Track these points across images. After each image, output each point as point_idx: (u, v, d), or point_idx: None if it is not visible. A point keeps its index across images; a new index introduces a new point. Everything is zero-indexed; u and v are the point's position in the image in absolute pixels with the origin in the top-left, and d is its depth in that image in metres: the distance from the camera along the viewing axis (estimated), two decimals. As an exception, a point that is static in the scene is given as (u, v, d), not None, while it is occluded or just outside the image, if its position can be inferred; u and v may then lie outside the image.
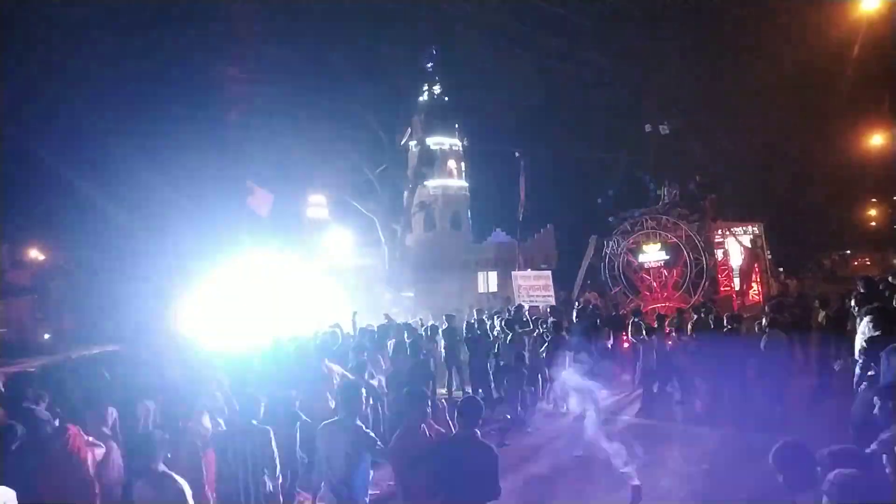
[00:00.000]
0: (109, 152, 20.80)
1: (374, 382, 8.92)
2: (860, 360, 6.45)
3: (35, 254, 28.51)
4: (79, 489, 5.24)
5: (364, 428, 5.16)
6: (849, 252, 33.61)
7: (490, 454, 4.47)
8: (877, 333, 6.56)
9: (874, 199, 32.90)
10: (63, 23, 19.79)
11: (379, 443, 5.12)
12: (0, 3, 18.69)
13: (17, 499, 4.18)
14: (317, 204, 33.10)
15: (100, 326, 18.94)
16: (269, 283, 17.59)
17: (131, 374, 8.64)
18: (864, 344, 6.45)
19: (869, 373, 6.21)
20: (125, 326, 16.99)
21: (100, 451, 5.71)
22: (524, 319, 12.28)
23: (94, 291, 21.65)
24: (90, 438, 5.64)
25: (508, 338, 11.35)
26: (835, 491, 2.75)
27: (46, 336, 19.73)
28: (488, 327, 12.94)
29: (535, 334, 11.59)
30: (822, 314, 10.85)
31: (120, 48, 20.82)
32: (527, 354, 10.72)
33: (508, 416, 10.23)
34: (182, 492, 4.38)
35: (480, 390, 11.32)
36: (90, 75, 20.25)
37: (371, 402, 8.15)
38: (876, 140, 23.52)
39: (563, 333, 11.02)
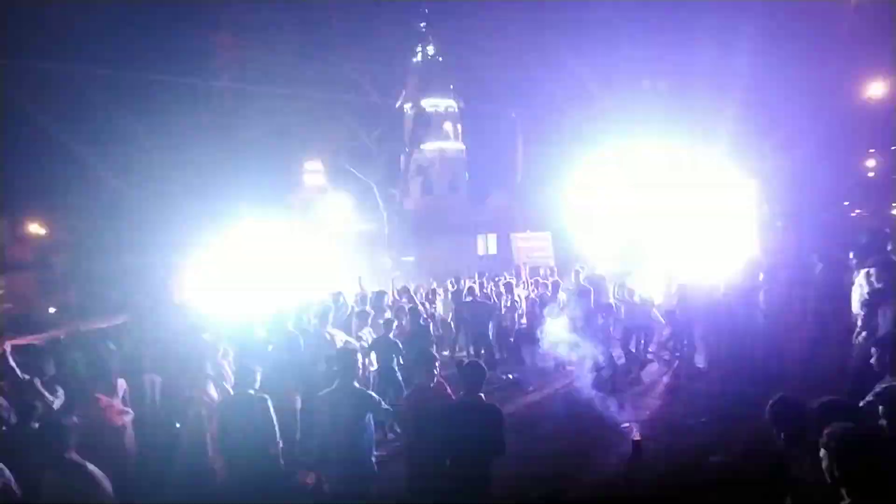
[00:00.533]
0: (107, 123, 20.64)
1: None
2: (862, 312, 6.51)
3: (36, 228, 28.50)
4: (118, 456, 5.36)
5: (366, 390, 5.28)
6: (847, 203, 33.53)
7: (495, 415, 4.60)
8: (879, 286, 6.60)
9: (872, 150, 32.70)
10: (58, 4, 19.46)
11: (384, 403, 5.24)
12: None
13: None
14: (314, 170, 32.97)
15: (105, 299, 19.07)
16: (270, 250, 17.61)
17: (137, 347, 8.76)
18: (867, 296, 6.52)
19: (872, 324, 6.28)
20: (130, 298, 17.09)
21: (128, 418, 5.85)
22: (523, 280, 12.41)
23: (97, 264, 21.73)
24: (118, 406, 5.75)
25: (503, 300, 11.47)
26: (832, 444, 2.82)
27: (52, 310, 19.89)
28: (489, 290, 13.06)
29: (532, 295, 11.70)
30: (819, 267, 10.90)
31: (115, 16, 20.47)
32: (523, 315, 10.84)
33: (510, 376, 10.41)
34: (94, 482, 3.99)
35: (483, 351, 11.50)
36: (87, 46, 20.00)
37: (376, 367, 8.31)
38: (874, 89, 23.25)
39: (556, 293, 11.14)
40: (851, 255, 8.13)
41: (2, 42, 19.11)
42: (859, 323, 6.61)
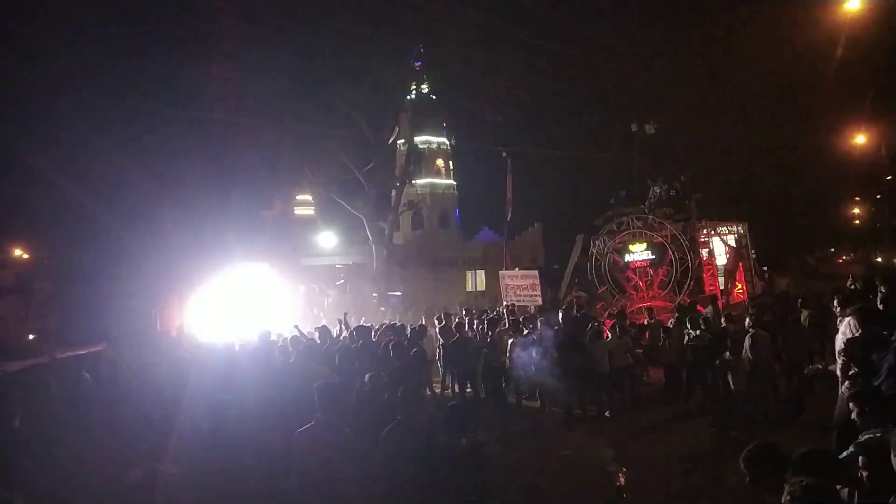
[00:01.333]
0: (94, 151, 20.58)
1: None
2: (839, 361, 6.49)
3: (19, 252, 28.21)
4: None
5: (340, 426, 5.15)
6: (832, 250, 33.98)
7: (479, 463, 4.49)
8: (857, 334, 6.60)
9: (857, 198, 33.30)
10: (46, 23, 19.58)
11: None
12: None
13: None
14: (304, 203, 33.05)
15: (85, 327, 18.76)
16: (256, 283, 17.55)
17: (114, 375, 8.61)
18: (843, 344, 6.51)
19: (850, 373, 6.26)
20: (110, 327, 16.84)
21: None
22: (510, 319, 12.34)
23: (79, 291, 21.45)
24: None
25: (489, 338, 11.40)
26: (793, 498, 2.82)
27: (31, 336, 19.51)
28: (475, 327, 12.98)
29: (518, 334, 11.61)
30: (805, 314, 10.96)
31: (104, 46, 20.62)
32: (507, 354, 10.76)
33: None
34: None
35: (468, 390, 11.37)
36: (75, 73, 20.04)
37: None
38: (858, 139, 23.80)
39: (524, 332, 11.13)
40: (836, 303, 8.14)
41: None
42: (838, 372, 6.58)
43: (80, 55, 20.14)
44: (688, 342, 10.69)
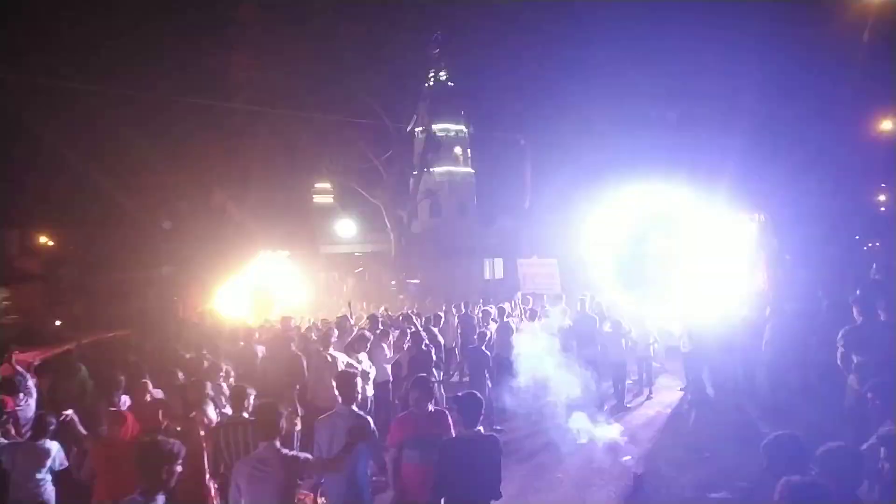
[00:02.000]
0: (118, 140, 20.90)
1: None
2: (840, 350, 6.49)
3: (44, 240, 28.75)
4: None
5: (364, 415, 5.22)
6: (857, 237, 33.40)
7: (494, 452, 4.52)
8: (857, 322, 6.60)
9: (883, 185, 32.69)
10: (75, 14, 19.88)
11: (371, 425, 5.11)
12: None
13: None
14: (323, 191, 33.22)
15: (110, 312, 19.15)
16: (276, 271, 17.74)
17: (139, 361, 8.79)
18: (841, 332, 6.52)
19: (853, 362, 6.24)
20: (135, 312, 17.19)
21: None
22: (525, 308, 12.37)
23: (104, 278, 21.85)
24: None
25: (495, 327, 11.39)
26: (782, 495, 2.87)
27: (57, 323, 19.94)
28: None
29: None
30: (825, 303, 10.83)
31: (128, 34, 20.87)
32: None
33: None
34: None
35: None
36: (101, 64, 20.33)
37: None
38: (885, 125, 23.33)
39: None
40: (857, 293, 8.07)
41: (16, 59, 19.54)
42: (839, 362, 6.56)
43: (103, 45, 20.43)
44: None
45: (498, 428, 9.24)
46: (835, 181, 27.19)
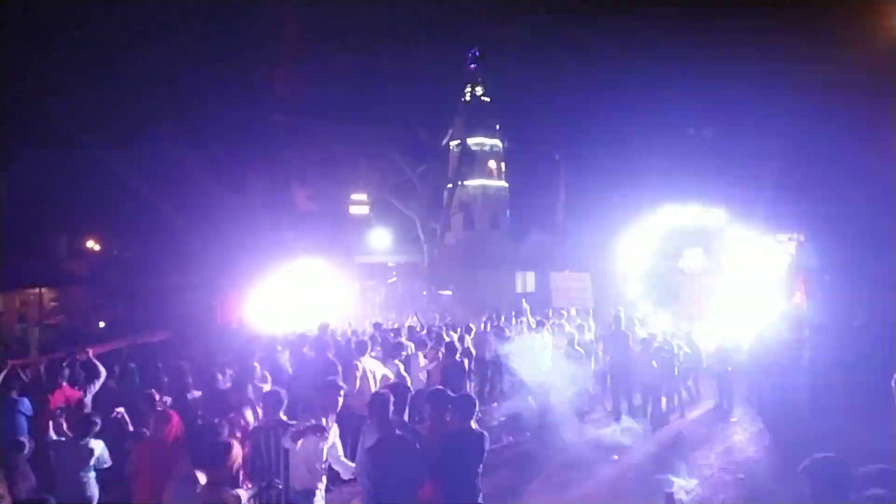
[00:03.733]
0: (163, 150, 21.59)
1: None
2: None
3: (91, 244, 29.76)
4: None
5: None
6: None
7: (480, 443, 4.88)
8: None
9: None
10: (120, 30, 20.64)
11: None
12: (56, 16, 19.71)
13: None
14: (359, 202, 33.68)
15: (151, 315, 19.71)
16: (313, 279, 18.07)
17: (181, 363, 9.09)
18: None
19: None
20: (175, 317, 17.64)
21: None
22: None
23: (146, 282, 22.52)
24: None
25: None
26: None
27: (102, 324, 20.60)
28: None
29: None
30: (864, 322, 10.60)
31: (175, 50, 21.57)
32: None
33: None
34: None
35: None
36: (147, 78, 21.05)
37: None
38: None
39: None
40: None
41: (68, 72, 20.36)
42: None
43: (151, 59, 21.16)
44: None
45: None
46: (877, 201, 26.47)
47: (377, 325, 12.14)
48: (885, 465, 3.43)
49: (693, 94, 23.64)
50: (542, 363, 10.15)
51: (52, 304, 22.99)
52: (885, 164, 25.02)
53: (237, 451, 4.69)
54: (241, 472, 5.46)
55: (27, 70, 19.12)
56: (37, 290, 19.48)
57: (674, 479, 7.01)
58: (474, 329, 13.15)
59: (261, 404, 6.27)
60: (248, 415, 6.43)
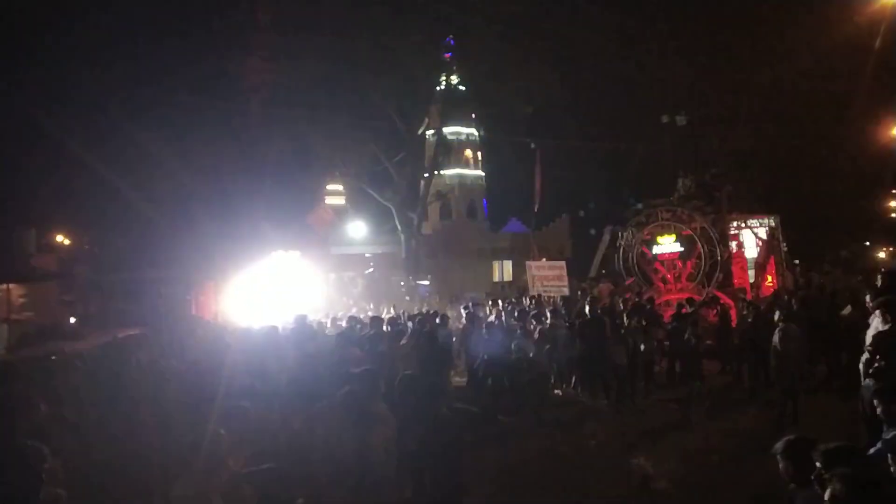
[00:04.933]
0: (133, 141, 21.19)
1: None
2: (864, 355, 6.47)
3: (61, 238, 29.11)
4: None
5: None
6: (868, 244, 33.24)
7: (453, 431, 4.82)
8: (885, 328, 6.57)
9: (894, 191, 32.53)
10: (91, 21, 20.20)
11: None
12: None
13: None
14: (335, 192, 33.49)
15: (124, 311, 19.41)
16: (288, 271, 17.95)
17: (157, 358, 8.98)
18: (871, 338, 6.49)
19: (872, 368, 6.24)
20: (148, 312, 17.40)
21: None
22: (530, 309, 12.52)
23: (117, 277, 22.13)
24: None
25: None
26: (840, 487, 2.79)
27: (73, 320, 20.20)
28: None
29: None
30: (847, 309, 10.75)
31: (144, 38, 21.17)
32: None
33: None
34: None
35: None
36: (115, 65, 20.63)
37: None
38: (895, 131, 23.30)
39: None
40: (868, 297, 8.06)
41: (31, 61, 19.87)
42: (861, 366, 6.55)
43: (119, 49, 20.74)
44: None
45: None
46: (845, 187, 27.07)
47: (351, 318, 12.13)
48: (843, 443, 3.49)
49: (666, 80, 23.87)
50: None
51: (21, 300, 22.44)
52: (856, 157, 25.46)
53: None
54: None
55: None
56: (4, 286, 18.99)
57: (645, 461, 7.15)
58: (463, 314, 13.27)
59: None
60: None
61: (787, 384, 9.03)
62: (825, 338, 10.53)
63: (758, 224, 18.73)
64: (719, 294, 15.56)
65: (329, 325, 13.10)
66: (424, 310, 15.70)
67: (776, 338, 9.21)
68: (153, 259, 21.98)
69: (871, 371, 5.95)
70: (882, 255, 29.99)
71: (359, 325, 11.05)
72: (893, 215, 34.16)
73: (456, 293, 23.39)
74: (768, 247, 18.17)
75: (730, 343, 11.99)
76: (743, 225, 18.03)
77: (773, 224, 19.24)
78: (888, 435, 4.00)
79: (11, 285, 19.65)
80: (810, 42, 21.34)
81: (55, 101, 20.08)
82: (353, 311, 16.02)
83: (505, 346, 10.37)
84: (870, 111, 23.43)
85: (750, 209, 19.20)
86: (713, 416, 9.66)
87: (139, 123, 20.69)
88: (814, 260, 23.02)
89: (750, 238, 18.09)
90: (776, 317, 9.76)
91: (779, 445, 3.72)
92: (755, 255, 17.88)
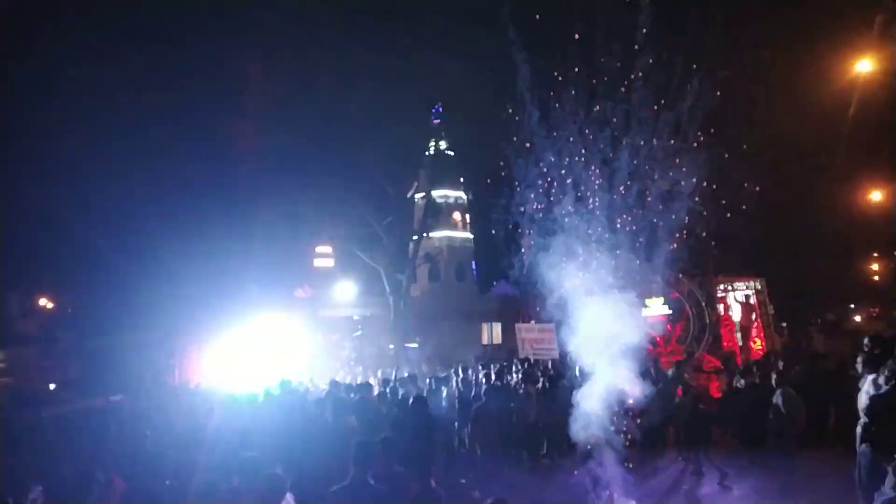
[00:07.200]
0: (119, 205, 21.23)
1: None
2: (862, 420, 6.41)
3: (44, 302, 28.73)
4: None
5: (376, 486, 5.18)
6: (852, 306, 33.55)
7: None
8: (882, 391, 6.51)
9: (876, 254, 33.06)
10: (75, 81, 20.49)
11: None
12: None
13: None
14: (324, 254, 33.49)
15: (105, 377, 18.97)
16: (274, 334, 17.74)
17: (136, 424, 8.72)
18: (863, 401, 6.44)
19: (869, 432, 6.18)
20: (129, 377, 17.02)
21: None
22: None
23: (99, 341, 21.74)
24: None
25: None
26: None
27: (52, 386, 19.71)
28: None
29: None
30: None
31: (130, 103, 21.46)
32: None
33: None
34: None
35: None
36: (102, 126, 20.83)
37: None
38: (875, 195, 23.85)
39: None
40: (859, 361, 8.04)
41: (19, 122, 20.01)
42: (859, 431, 6.47)
43: (105, 110, 20.96)
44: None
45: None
46: (828, 250, 27.43)
47: (333, 382, 11.94)
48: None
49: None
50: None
51: (1, 365, 21.94)
52: (838, 221, 25.82)
53: None
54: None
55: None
56: (-15, 351, 18.65)
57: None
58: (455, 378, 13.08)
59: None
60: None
61: (788, 446, 8.82)
62: (815, 400, 10.44)
63: (744, 287, 18.91)
64: (709, 357, 15.55)
65: (313, 388, 12.84)
66: (415, 372, 15.48)
67: (778, 400, 9.03)
68: (136, 323, 21.69)
69: (866, 436, 5.91)
70: (857, 318, 30.22)
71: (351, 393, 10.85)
72: (875, 278, 34.61)
73: (446, 356, 23.12)
74: (748, 309, 18.29)
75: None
76: (730, 288, 18.20)
77: (759, 287, 19.43)
78: (883, 498, 3.96)
79: (-8, 350, 19.30)
80: (788, 111, 22.06)
81: (37, 164, 20.14)
82: (341, 375, 15.77)
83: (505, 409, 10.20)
84: (849, 177, 24.05)
85: (736, 272, 19.41)
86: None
87: (125, 186, 20.77)
88: (800, 322, 23.13)
89: (735, 301, 18.25)
90: (773, 380, 9.66)
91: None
92: (740, 318, 18.00)
